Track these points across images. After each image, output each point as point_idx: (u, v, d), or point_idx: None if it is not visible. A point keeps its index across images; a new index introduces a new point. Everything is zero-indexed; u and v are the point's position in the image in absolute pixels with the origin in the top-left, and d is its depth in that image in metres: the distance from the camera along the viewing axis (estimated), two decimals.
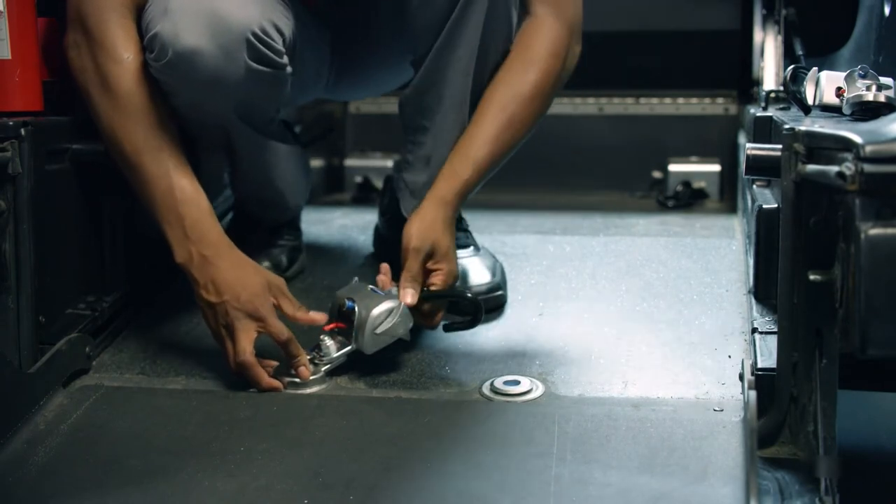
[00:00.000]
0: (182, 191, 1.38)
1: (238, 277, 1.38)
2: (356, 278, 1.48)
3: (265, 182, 1.70)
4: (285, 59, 1.43)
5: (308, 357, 1.39)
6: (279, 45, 1.41)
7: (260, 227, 1.76)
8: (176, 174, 1.39)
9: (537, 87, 1.45)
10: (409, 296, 1.38)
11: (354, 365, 1.43)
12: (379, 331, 1.37)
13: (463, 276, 1.59)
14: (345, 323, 1.41)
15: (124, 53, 1.38)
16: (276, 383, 1.36)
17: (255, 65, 1.39)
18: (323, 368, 1.38)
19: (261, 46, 1.38)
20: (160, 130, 1.39)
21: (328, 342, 1.40)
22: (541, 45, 1.46)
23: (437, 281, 1.41)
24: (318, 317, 1.41)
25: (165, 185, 1.38)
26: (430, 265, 1.41)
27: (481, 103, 1.46)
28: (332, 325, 1.41)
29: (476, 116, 1.46)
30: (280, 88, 1.48)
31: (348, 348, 1.39)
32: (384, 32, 1.67)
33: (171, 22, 1.34)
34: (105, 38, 1.38)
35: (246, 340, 1.35)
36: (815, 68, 1.41)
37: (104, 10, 1.38)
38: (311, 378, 1.37)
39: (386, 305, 1.38)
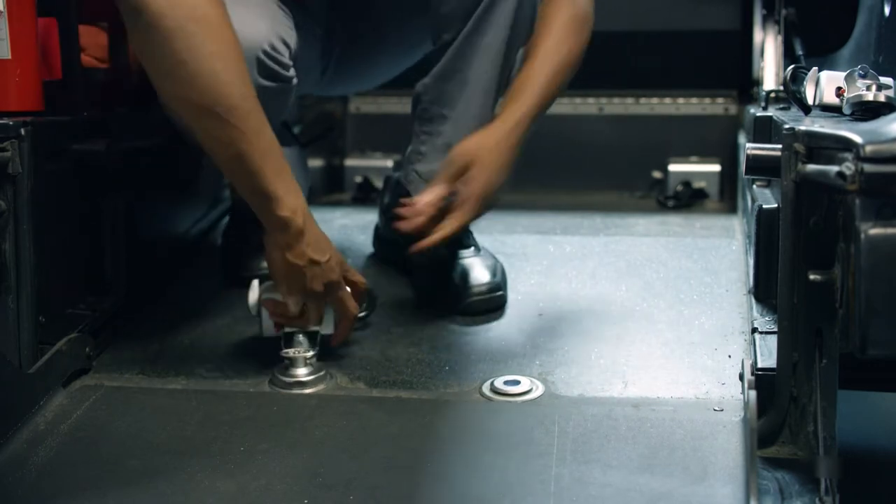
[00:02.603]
0: (278, 147, 1.33)
1: (326, 239, 1.39)
2: None
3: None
4: (292, 72, 1.43)
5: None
6: (286, 59, 1.41)
7: (260, 227, 1.76)
8: (270, 129, 1.32)
9: (571, 53, 1.52)
10: (425, 195, 1.44)
11: (354, 365, 1.43)
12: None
13: (463, 276, 1.60)
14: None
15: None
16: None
17: (264, 81, 1.39)
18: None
19: (270, 63, 1.38)
20: (250, 84, 1.30)
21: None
22: (570, 15, 1.53)
23: (466, 189, 1.44)
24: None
25: (268, 137, 1.31)
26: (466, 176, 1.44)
27: (527, 59, 1.51)
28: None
29: (526, 68, 1.50)
30: (286, 99, 1.48)
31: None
32: (391, 21, 1.66)
33: None
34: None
35: (349, 297, 1.40)
36: (815, 68, 1.41)
37: None
38: (310, 378, 1.38)
39: None
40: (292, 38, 1.44)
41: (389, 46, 1.74)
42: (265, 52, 1.37)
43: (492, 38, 1.49)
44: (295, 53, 1.45)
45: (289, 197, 1.33)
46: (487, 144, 1.45)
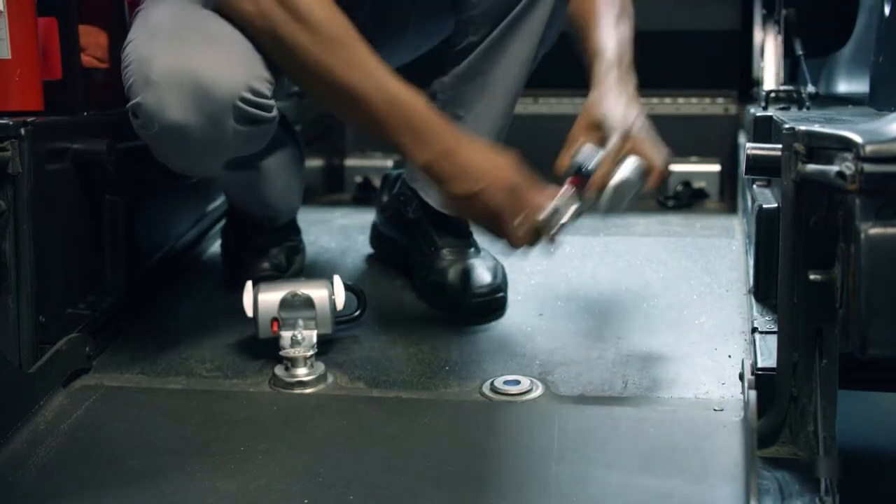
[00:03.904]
0: (400, 97, 1.31)
1: (489, 160, 1.34)
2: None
3: (256, 200, 1.70)
4: (274, 112, 1.37)
5: (542, 217, 1.35)
6: (267, 98, 1.35)
7: (258, 228, 1.76)
8: (388, 83, 1.31)
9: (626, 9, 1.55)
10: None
11: (354, 365, 1.43)
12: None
13: (464, 277, 1.60)
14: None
15: None
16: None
17: (243, 127, 1.34)
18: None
19: (249, 108, 1.32)
20: (359, 46, 1.31)
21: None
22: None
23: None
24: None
25: (382, 98, 1.30)
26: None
27: (589, 24, 1.50)
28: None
29: (598, 29, 1.49)
30: (268, 136, 1.44)
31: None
32: (415, 15, 1.63)
33: (154, 94, 1.29)
34: None
35: (524, 209, 1.32)
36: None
37: None
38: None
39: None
40: (275, 69, 1.37)
41: (405, 40, 1.69)
42: (242, 99, 1.30)
43: (522, 44, 1.47)
44: (280, 83, 1.40)
45: (417, 150, 1.31)
46: (632, 116, 1.41)
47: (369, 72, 1.31)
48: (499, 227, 1.35)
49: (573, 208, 1.35)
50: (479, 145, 1.36)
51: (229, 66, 1.31)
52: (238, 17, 1.34)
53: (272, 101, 1.36)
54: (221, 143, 1.34)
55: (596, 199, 1.34)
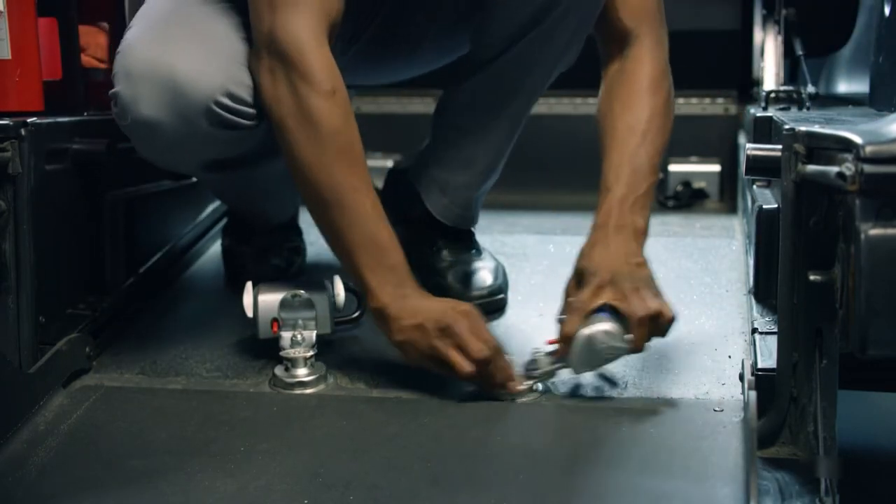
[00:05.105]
0: (382, 236, 1.30)
1: (443, 302, 1.32)
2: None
3: (242, 200, 1.70)
4: (254, 121, 1.35)
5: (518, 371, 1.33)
6: (247, 105, 1.33)
7: (258, 228, 1.76)
8: (374, 218, 1.30)
9: (657, 122, 1.41)
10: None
11: (354, 365, 1.43)
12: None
13: (465, 279, 1.59)
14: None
15: (326, 85, 1.27)
16: (515, 386, 1.30)
17: (216, 130, 1.33)
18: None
19: (223, 113, 1.31)
20: (360, 170, 1.29)
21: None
22: (650, 77, 1.42)
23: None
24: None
25: (366, 230, 1.29)
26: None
27: (614, 138, 1.40)
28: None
29: (616, 152, 1.39)
30: (248, 141, 1.42)
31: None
32: (433, 27, 1.60)
33: (130, 87, 1.29)
34: (306, 68, 1.26)
35: (472, 337, 1.27)
36: None
37: (302, 37, 1.26)
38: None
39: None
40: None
41: (422, 54, 1.65)
42: (217, 103, 1.30)
43: (538, 68, 1.45)
44: None
45: (380, 291, 1.30)
46: (616, 265, 1.34)
47: (358, 200, 1.29)
48: (449, 356, 1.28)
49: (544, 364, 1.33)
50: (431, 296, 1.34)
51: (209, 67, 1.30)
52: (257, 81, 1.31)
53: (252, 110, 1.33)
54: (194, 143, 1.34)
55: (567, 354, 1.31)
